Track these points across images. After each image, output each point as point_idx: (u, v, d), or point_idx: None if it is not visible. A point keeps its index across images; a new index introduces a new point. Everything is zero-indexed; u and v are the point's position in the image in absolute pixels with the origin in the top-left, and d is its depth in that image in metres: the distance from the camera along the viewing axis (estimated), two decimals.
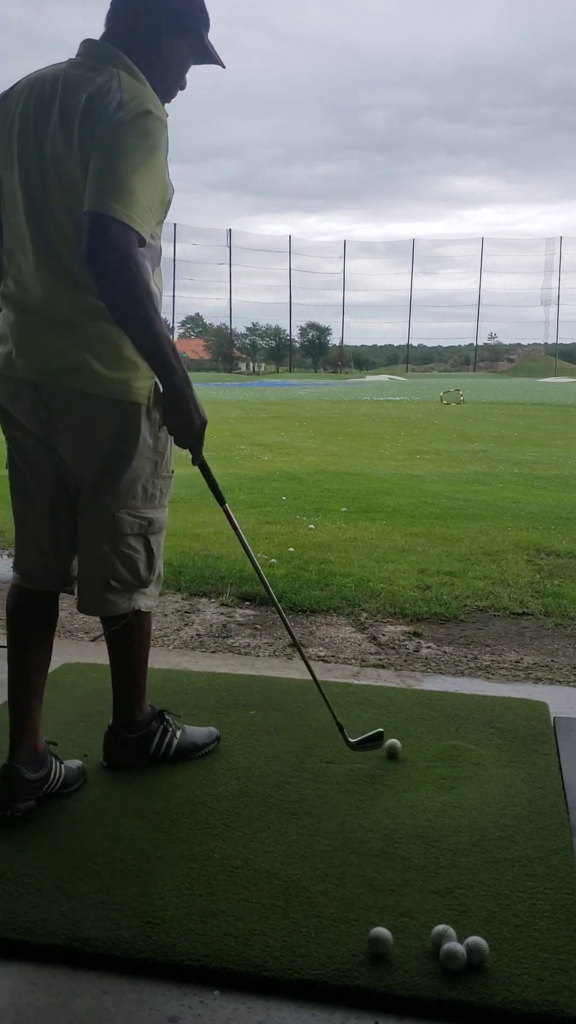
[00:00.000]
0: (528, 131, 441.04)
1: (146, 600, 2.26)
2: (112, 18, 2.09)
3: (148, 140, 1.90)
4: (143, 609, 2.26)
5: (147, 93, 2.00)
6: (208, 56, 2.18)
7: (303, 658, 2.47)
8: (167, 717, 2.43)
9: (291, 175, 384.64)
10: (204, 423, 2.06)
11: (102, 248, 1.81)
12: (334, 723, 2.42)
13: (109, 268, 1.83)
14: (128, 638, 2.31)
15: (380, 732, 2.46)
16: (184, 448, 2.12)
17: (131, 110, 1.90)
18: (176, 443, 2.13)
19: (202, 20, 2.14)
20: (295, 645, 2.55)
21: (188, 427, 2.04)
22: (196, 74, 2.27)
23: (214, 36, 2.17)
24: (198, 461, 2.16)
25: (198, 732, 2.49)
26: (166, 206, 2.04)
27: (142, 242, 1.90)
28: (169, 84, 2.15)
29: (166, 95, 2.14)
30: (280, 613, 2.42)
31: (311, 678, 2.43)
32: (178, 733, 2.43)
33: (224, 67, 2.23)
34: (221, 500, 2.26)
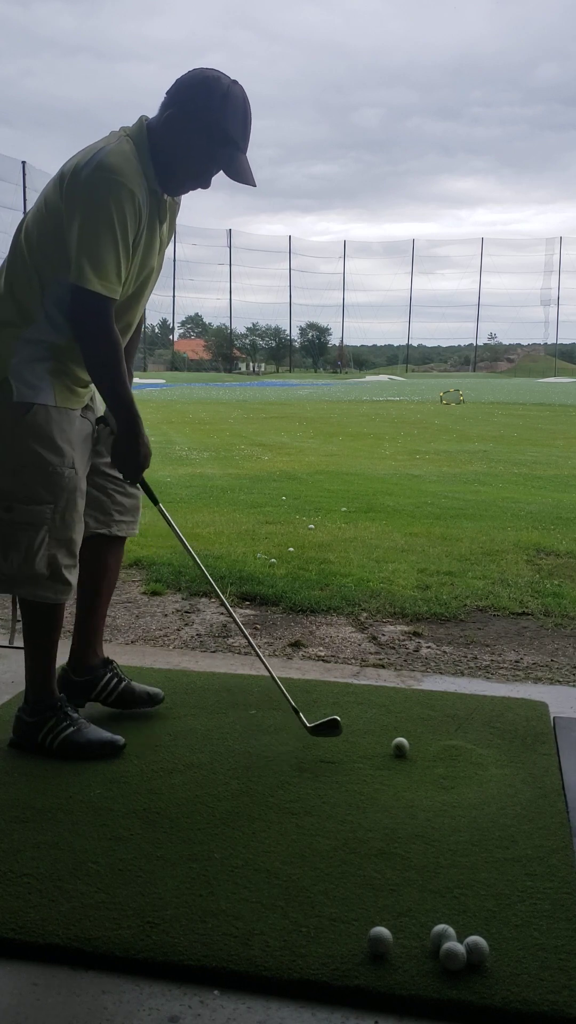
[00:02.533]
0: (520, 131, 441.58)
1: (23, 589, 2.37)
2: (160, 112, 2.27)
3: (100, 198, 2.11)
4: (25, 596, 2.40)
5: (118, 153, 2.15)
6: (240, 175, 2.25)
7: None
8: (65, 711, 2.48)
9: (286, 175, 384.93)
10: (146, 457, 2.36)
11: (72, 314, 2.20)
12: (290, 707, 2.54)
13: (76, 331, 2.22)
14: (24, 621, 2.49)
15: (336, 719, 2.51)
16: (130, 479, 2.43)
17: (86, 167, 2.12)
18: (121, 473, 2.41)
19: (228, 141, 2.22)
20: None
21: (132, 460, 2.35)
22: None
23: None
24: (137, 482, 2.45)
25: (95, 735, 2.47)
26: (140, 264, 2.28)
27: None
28: (178, 175, 2.29)
29: (171, 184, 2.29)
30: (226, 606, 2.52)
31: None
32: (69, 729, 2.45)
33: (255, 186, 2.31)
34: (155, 501, 2.53)
